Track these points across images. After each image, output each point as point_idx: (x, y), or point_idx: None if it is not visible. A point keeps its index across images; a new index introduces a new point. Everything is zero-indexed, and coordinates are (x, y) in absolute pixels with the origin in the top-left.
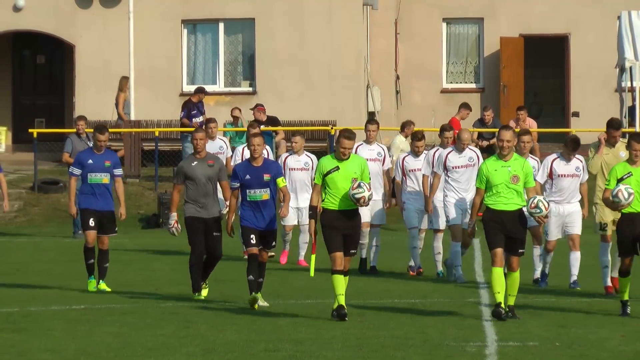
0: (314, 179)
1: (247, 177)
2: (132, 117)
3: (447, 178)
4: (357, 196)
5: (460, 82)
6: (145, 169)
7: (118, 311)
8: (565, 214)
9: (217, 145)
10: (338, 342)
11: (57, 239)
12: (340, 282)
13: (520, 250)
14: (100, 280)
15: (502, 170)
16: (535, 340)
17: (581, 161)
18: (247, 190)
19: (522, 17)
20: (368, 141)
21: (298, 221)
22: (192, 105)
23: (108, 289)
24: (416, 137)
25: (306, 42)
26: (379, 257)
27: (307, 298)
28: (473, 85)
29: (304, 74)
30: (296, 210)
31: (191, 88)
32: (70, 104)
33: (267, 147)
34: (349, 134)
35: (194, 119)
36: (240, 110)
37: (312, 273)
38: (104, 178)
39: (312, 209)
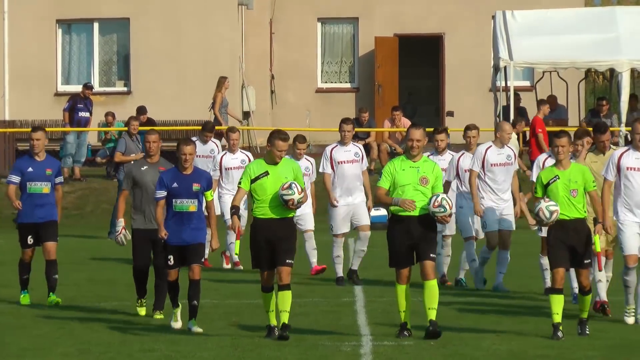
0: (240, 182)
1: (175, 185)
2: (7, 117)
3: (483, 177)
4: (285, 198)
5: (335, 82)
6: None
7: None
8: None
9: (240, 159)
10: (213, 342)
11: None
12: (282, 299)
13: (432, 255)
14: (51, 293)
15: (411, 171)
16: (409, 340)
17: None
18: (174, 200)
19: (397, 17)
20: (343, 142)
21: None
22: (78, 99)
23: (59, 300)
24: (436, 130)
25: (181, 42)
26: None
27: (182, 298)
28: (348, 85)
29: (179, 74)
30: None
31: (66, 88)
32: None
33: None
34: (284, 136)
35: (80, 113)
36: (113, 117)
37: (236, 251)
38: (45, 187)
39: (234, 207)
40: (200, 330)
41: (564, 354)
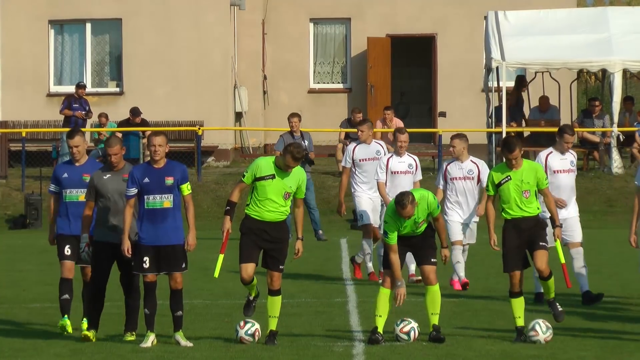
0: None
1: (146, 180)
2: None
3: None
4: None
5: (328, 83)
6: (12, 170)
7: None
8: None
9: (407, 163)
10: (205, 343)
11: None
12: (272, 305)
13: (432, 260)
14: (84, 319)
15: (409, 222)
16: (402, 340)
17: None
18: (145, 197)
19: (389, 18)
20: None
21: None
22: (73, 100)
23: (91, 334)
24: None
25: (173, 43)
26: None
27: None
28: (340, 86)
29: (171, 74)
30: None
31: (58, 88)
32: None
33: (382, 144)
34: (298, 155)
35: (76, 113)
36: (107, 118)
37: (216, 274)
38: (81, 195)
39: (230, 204)
40: (190, 344)
41: (556, 354)
